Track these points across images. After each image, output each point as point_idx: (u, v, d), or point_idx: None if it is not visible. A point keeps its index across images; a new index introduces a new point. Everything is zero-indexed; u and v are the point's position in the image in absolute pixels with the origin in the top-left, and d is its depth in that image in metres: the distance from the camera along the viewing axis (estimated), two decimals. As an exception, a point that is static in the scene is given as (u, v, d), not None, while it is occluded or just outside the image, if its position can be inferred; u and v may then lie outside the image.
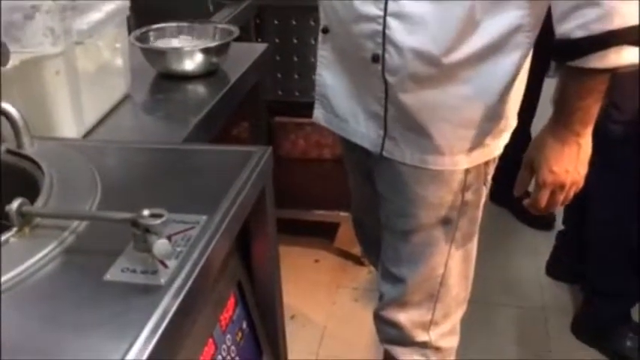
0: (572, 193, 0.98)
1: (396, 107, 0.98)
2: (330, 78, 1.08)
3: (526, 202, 1.02)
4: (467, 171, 1.01)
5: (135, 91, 1.12)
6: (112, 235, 0.61)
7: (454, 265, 1.10)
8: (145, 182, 0.75)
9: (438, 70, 0.93)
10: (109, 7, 0.94)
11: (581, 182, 0.97)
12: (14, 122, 0.76)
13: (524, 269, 2.02)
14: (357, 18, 0.95)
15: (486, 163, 1.03)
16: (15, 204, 0.60)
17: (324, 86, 1.09)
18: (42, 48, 0.86)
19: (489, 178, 1.08)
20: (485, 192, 1.09)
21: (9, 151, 0.76)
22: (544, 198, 0.97)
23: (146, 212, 0.57)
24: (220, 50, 1.20)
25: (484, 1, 0.88)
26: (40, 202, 0.65)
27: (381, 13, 0.93)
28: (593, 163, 0.98)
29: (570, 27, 0.84)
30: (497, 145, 1.03)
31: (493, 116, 0.98)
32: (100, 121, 0.99)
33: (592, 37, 0.83)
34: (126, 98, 1.08)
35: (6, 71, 0.81)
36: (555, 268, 1.98)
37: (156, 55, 1.18)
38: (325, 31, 1.05)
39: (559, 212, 2.08)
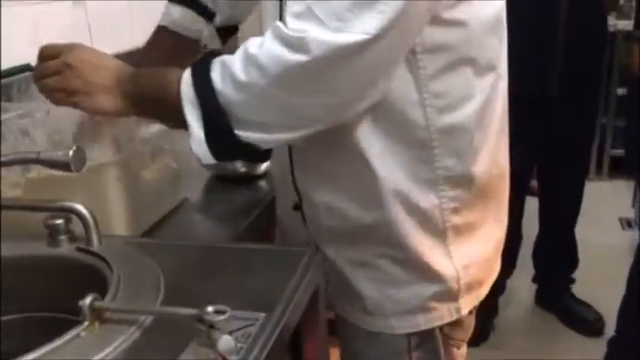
0: None
1: (326, 260, 0.89)
2: (280, 207, 1.04)
3: None
4: (410, 335, 0.91)
5: (190, 192, 1.18)
6: (176, 330, 0.64)
7: None
8: (203, 279, 0.78)
9: (351, 227, 0.88)
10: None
11: None
12: (85, 221, 0.81)
13: (573, 378, 1.95)
14: (278, 164, 0.94)
15: (442, 327, 0.91)
16: (88, 299, 0.64)
17: (278, 214, 1.07)
18: (105, 155, 0.93)
19: (459, 336, 0.95)
20: (453, 350, 0.95)
21: (78, 249, 0.81)
22: None
23: (210, 308, 0.61)
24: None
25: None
26: (108, 297, 0.69)
27: (288, 163, 0.89)
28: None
29: None
30: (451, 309, 0.91)
31: (431, 278, 0.88)
32: (158, 221, 1.04)
33: None
34: (183, 200, 1.14)
35: (73, 174, 0.88)
36: (607, 378, 1.91)
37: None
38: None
39: (610, 318, 2.02)
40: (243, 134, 0.77)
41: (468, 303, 0.92)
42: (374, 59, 0.73)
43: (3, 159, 0.82)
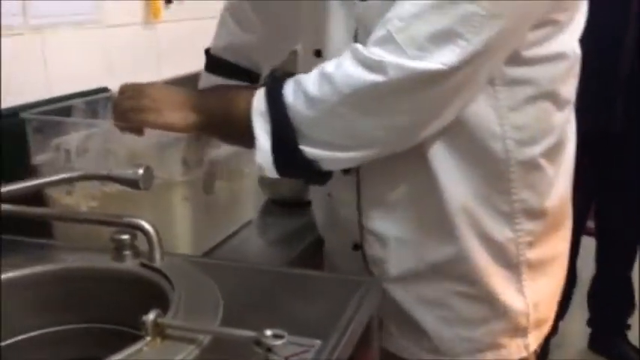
0: None
1: (387, 301, 0.88)
2: (328, 242, 1.04)
3: None
4: None
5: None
6: (233, 352, 0.65)
7: None
8: (260, 302, 0.80)
9: (424, 263, 0.87)
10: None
11: None
12: (149, 238, 0.84)
13: None
14: (338, 201, 0.93)
15: None
16: (152, 315, 0.66)
17: (326, 248, 1.05)
18: (173, 175, 0.96)
19: None
20: None
21: (142, 264, 0.84)
22: None
23: (268, 332, 0.62)
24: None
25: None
26: (170, 314, 0.71)
27: (355, 199, 0.89)
28: None
29: None
30: (520, 345, 0.91)
31: (502, 314, 0.88)
32: (221, 242, 1.07)
33: None
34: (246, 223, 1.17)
35: (143, 192, 0.91)
36: None
37: (268, 183, 1.27)
38: (331, 195, 0.96)
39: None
40: (308, 150, 0.79)
41: (536, 340, 0.92)
42: (445, 90, 0.74)
43: (76, 175, 0.86)
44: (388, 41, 0.73)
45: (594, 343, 2.33)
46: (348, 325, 0.71)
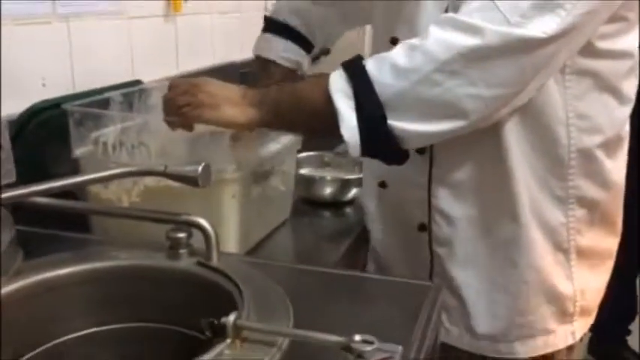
0: None
1: (445, 282, 0.92)
2: (380, 233, 1.05)
3: None
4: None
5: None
6: (314, 356, 0.64)
7: None
8: (325, 305, 0.78)
9: (488, 244, 0.89)
10: (286, 140, 1.03)
11: None
12: (208, 237, 0.82)
13: None
14: (405, 182, 0.93)
15: (559, 351, 0.94)
16: (232, 317, 0.65)
17: (375, 240, 1.06)
18: (224, 173, 0.94)
19: None
20: None
21: (199, 263, 0.82)
22: None
23: (358, 337, 0.60)
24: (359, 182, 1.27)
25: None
26: (243, 316, 0.69)
27: (426, 181, 0.91)
28: None
29: None
30: (567, 332, 0.94)
31: (552, 298, 0.91)
32: (262, 241, 1.05)
33: None
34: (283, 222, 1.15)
35: (190, 188, 0.89)
36: None
37: (303, 182, 1.26)
38: (383, 185, 0.99)
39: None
40: (396, 124, 0.77)
41: (581, 328, 0.95)
42: (540, 59, 0.76)
43: (132, 169, 0.84)
44: (489, 9, 0.73)
45: (594, 348, 2.36)
46: (425, 332, 0.70)
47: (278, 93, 0.86)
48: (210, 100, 0.86)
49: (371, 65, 0.78)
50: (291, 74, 1.13)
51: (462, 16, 0.75)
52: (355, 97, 0.77)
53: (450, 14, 0.77)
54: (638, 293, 2.28)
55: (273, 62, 1.12)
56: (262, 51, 1.13)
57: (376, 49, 0.96)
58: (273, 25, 1.15)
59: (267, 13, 1.20)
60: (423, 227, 0.94)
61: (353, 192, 1.25)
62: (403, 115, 0.77)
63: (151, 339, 0.82)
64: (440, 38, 0.75)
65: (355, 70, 0.78)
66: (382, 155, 0.82)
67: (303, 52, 1.14)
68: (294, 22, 1.12)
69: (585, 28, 0.78)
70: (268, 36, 1.15)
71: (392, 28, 0.91)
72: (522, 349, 0.93)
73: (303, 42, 1.14)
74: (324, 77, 0.81)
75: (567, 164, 0.87)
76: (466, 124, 0.79)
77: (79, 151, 1.01)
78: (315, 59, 1.20)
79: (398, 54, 0.77)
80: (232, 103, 0.85)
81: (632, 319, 2.29)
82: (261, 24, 1.20)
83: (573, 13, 0.73)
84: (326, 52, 1.22)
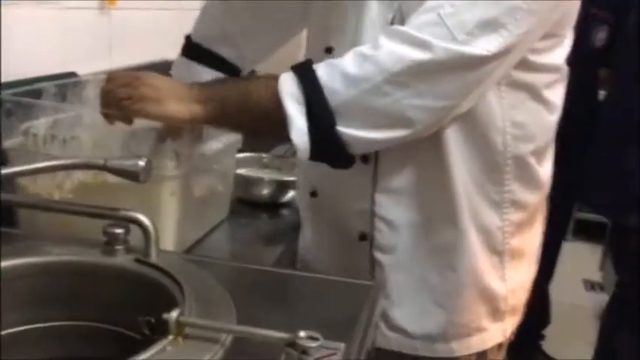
0: None
1: (383, 288, 0.92)
2: (312, 242, 1.05)
3: None
4: (468, 357, 0.96)
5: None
6: (255, 353, 0.64)
7: None
8: (265, 302, 0.78)
9: (428, 248, 0.92)
10: (227, 139, 1.02)
11: None
12: (147, 233, 0.80)
13: None
14: (343, 192, 0.94)
15: (490, 349, 0.98)
16: (174, 313, 0.63)
17: (305, 248, 1.06)
18: (164, 170, 0.92)
19: None
20: None
21: (137, 260, 0.80)
22: None
23: (303, 334, 0.61)
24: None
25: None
26: (185, 312, 0.68)
27: (369, 190, 0.92)
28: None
29: None
30: (499, 330, 0.98)
31: (485, 298, 0.95)
32: (199, 240, 1.04)
33: None
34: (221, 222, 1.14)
35: (128, 184, 0.87)
36: None
37: (242, 182, 1.25)
38: (314, 194, 1.00)
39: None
40: (344, 130, 0.79)
41: (511, 325, 0.99)
42: (483, 74, 0.80)
43: (69, 162, 0.81)
44: (437, 24, 0.76)
45: (511, 353, 2.45)
46: (367, 329, 0.71)
47: (225, 90, 0.85)
48: (153, 94, 0.83)
49: (322, 71, 0.80)
50: None
51: (412, 29, 0.78)
52: (306, 102, 0.79)
53: (401, 27, 0.79)
54: (550, 299, 2.40)
55: None
56: (181, 78, 1.06)
57: (311, 56, 0.95)
58: (191, 50, 1.11)
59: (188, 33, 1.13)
60: (364, 237, 0.95)
61: (290, 194, 1.25)
62: (352, 122, 0.79)
63: (85, 338, 0.79)
64: (391, 50, 0.77)
65: (306, 74, 0.80)
66: (330, 159, 0.84)
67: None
68: (222, 51, 1.09)
69: (523, 45, 0.82)
70: (188, 62, 1.10)
71: (327, 37, 0.92)
72: (458, 347, 0.95)
73: (229, 69, 1.09)
74: (274, 79, 0.81)
75: (503, 170, 0.90)
76: (411, 133, 0.82)
77: (7, 143, 0.96)
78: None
79: (349, 62, 0.79)
80: (177, 98, 0.83)
81: (546, 324, 2.40)
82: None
83: (514, 33, 0.78)
84: (251, 73, 1.18)
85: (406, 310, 0.95)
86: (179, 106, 0.83)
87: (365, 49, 0.79)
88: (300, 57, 0.93)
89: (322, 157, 0.83)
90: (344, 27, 0.89)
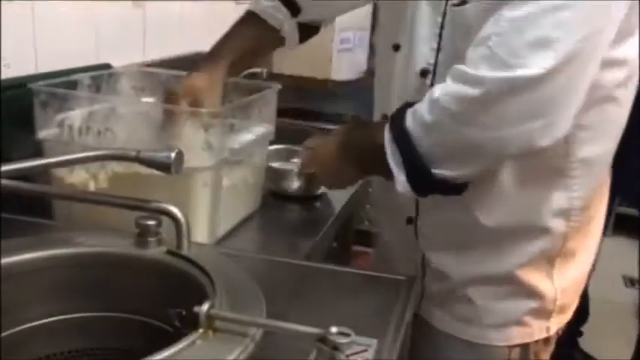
0: None
1: (430, 269, 0.97)
2: (382, 220, 1.11)
3: None
4: (509, 348, 0.96)
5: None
6: (286, 347, 0.63)
7: None
8: (298, 297, 0.77)
9: (471, 240, 0.93)
10: (259, 130, 1.01)
11: None
12: (179, 226, 0.80)
13: None
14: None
15: (536, 342, 0.97)
16: (205, 306, 0.63)
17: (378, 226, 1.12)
18: (197, 160, 0.92)
19: (544, 357, 1.00)
20: None
21: (169, 252, 0.80)
22: None
23: (334, 329, 0.60)
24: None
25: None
26: (215, 306, 0.67)
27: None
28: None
29: None
30: (543, 327, 0.96)
31: (532, 295, 0.94)
32: (229, 232, 1.03)
33: None
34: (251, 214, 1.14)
35: (162, 175, 0.87)
36: None
37: (273, 175, 1.24)
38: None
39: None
40: (439, 172, 0.83)
41: (556, 323, 0.97)
42: (551, 92, 0.77)
43: (102, 153, 0.81)
44: (490, 57, 0.77)
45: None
46: (400, 326, 0.69)
47: (359, 132, 0.95)
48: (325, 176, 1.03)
49: (409, 122, 0.85)
50: (270, 34, 1.11)
51: (469, 66, 0.79)
52: (401, 154, 0.85)
53: (460, 67, 0.80)
54: (588, 295, 2.34)
55: (253, 15, 1.10)
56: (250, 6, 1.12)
57: (381, 56, 1.02)
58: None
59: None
60: (410, 220, 0.98)
61: (322, 187, 1.24)
62: (442, 163, 0.83)
63: (115, 330, 0.79)
64: (450, 91, 0.80)
65: (398, 129, 0.85)
66: (439, 193, 0.87)
67: (285, 11, 1.11)
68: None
69: (591, 50, 0.78)
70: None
71: (394, 34, 0.95)
72: (495, 335, 0.95)
73: (288, 1, 1.11)
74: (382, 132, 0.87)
75: (568, 175, 0.90)
76: (491, 162, 0.85)
77: (43, 134, 0.97)
78: (302, 39, 1.17)
79: (424, 108, 0.83)
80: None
81: (585, 320, 2.34)
82: (231, 14, 1.16)
83: (568, 42, 0.75)
84: (314, 31, 1.18)
85: (446, 296, 0.97)
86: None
87: (435, 91, 0.82)
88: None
89: (430, 193, 0.88)
90: (405, 25, 0.92)
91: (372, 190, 1.11)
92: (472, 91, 0.78)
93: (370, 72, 2.81)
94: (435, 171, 0.83)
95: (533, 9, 0.75)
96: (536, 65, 0.75)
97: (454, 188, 0.86)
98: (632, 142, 1.89)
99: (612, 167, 1.01)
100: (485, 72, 0.77)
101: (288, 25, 1.10)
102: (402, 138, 0.84)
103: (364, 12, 2.58)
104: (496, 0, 0.78)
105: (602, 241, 2.23)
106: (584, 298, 2.32)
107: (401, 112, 0.87)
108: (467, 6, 0.83)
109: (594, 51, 0.79)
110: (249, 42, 1.09)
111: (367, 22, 2.75)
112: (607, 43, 0.81)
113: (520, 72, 0.75)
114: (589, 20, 0.76)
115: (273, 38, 1.11)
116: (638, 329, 2.12)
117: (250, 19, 1.10)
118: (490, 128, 0.79)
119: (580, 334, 2.35)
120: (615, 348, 2.30)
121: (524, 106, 0.77)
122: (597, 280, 2.61)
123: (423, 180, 0.84)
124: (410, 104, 0.87)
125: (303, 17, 1.12)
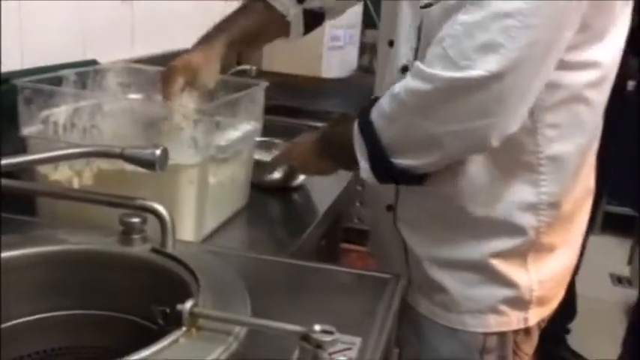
0: None
1: (412, 257, 0.99)
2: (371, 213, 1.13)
3: None
4: (486, 335, 0.97)
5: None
6: (269, 345, 0.63)
7: None
8: (284, 295, 0.77)
9: (446, 228, 0.95)
10: (246, 128, 1.01)
11: None
12: (164, 223, 0.79)
13: None
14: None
15: (516, 332, 0.97)
16: (188, 304, 0.63)
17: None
18: (183, 157, 0.92)
19: (526, 349, 1.00)
20: None
21: (153, 250, 0.79)
22: None
23: (317, 327, 0.59)
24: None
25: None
26: (199, 304, 0.67)
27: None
28: None
29: None
30: (521, 318, 0.97)
31: (505, 283, 0.95)
32: (216, 230, 1.03)
33: None
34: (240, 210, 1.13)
35: (147, 172, 0.86)
36: None
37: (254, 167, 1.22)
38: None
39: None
40: (399, 162, 0.89)
41: (535, 315, 0.98)
42: (491, 96, 0.81)
43: (86, 150, 0.81)
44: (443, 57, 0.82)
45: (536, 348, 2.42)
46: (384, 324, 0.69)
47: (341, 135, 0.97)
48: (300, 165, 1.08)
49: (374, 115, 0.90)
50: (276, 19, 1.14)
51: (425, 64, 0.84)
52: (365, 144, 0.90)
53: (418, 64, 0.85)
54: (576, 292, 2.35)
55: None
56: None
57: (380, 51, 1.06)
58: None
59: None
60: (390, 208, 1.00)
61: (301, 178, 1.24)
62: (401, 153, 0.88)
63: (99, 327, 0.79)
64: (407, 86, 0.86)
65: (363, 120, 0.91)
66: (400, 183, 0.94)
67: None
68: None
69: (538, 56, 0.81)
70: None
71: (390, 31, 0.98)
72: (472, 321, 0.96)
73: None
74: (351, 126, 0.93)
75: (538, 170, 0.91)
76: (448, 155, 0.88)
77: (27, 130, 0.96)
78: (307, 30, 1.18)
79: (385, 102, 0.89)
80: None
81: (572, 318, 2.35)
82: (221, 12, 1.16)
83: (513, 48, 0.78)
84: (319, 20, 1.20)
85: (426, 282, 0.98)
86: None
87: (397, 87, 0.87)
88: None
89: (392, 182, 0.94)
90: (397, 23, 0.95)
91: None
92: (425, 87, 0.83)
93: (361, 69, 2.83)
94: (396, 161, 0.88)
95: (485, 14, 0.79)
96: (481, 68, 0.79)
97: (416, 177, 0.90)
98: (619, 141, 1.90)
99: (598, 166, 1.01)
100: (438, 70, 0.82)
101: (294, 11, 1.13)
102: (367, 129, 0.90)
103: (355, 10, 2.58)
104: (456, 1, 0.83)
105: (588, 238, 2.27)
106: (572, 296, 2.34)
107: (368, 106, 0.91)
108: (432, 8, 0.88)
109: (545, 57, 0.82)
110: (252, 24, 1.12)
111: (358, 20, 2.75)
112: (562, 48, 0.83)
113: (468, 73, 0.79)
114: (536, 28, 0.79)
115: (277, 24, 1.14)
116: (626, 327, 2.13)
117: (256, 2, 1.13)
118: (443, 122, 0.84)
119: (567, 331, 2.36)
120: (603, 346, 2.31)
121: (473, 105, 0.81)
122: (586, 278, 2.63)
123: (385, 169, 0.89)
124: (378, 98, 0.91)
125: (309, 3, 1.14)
